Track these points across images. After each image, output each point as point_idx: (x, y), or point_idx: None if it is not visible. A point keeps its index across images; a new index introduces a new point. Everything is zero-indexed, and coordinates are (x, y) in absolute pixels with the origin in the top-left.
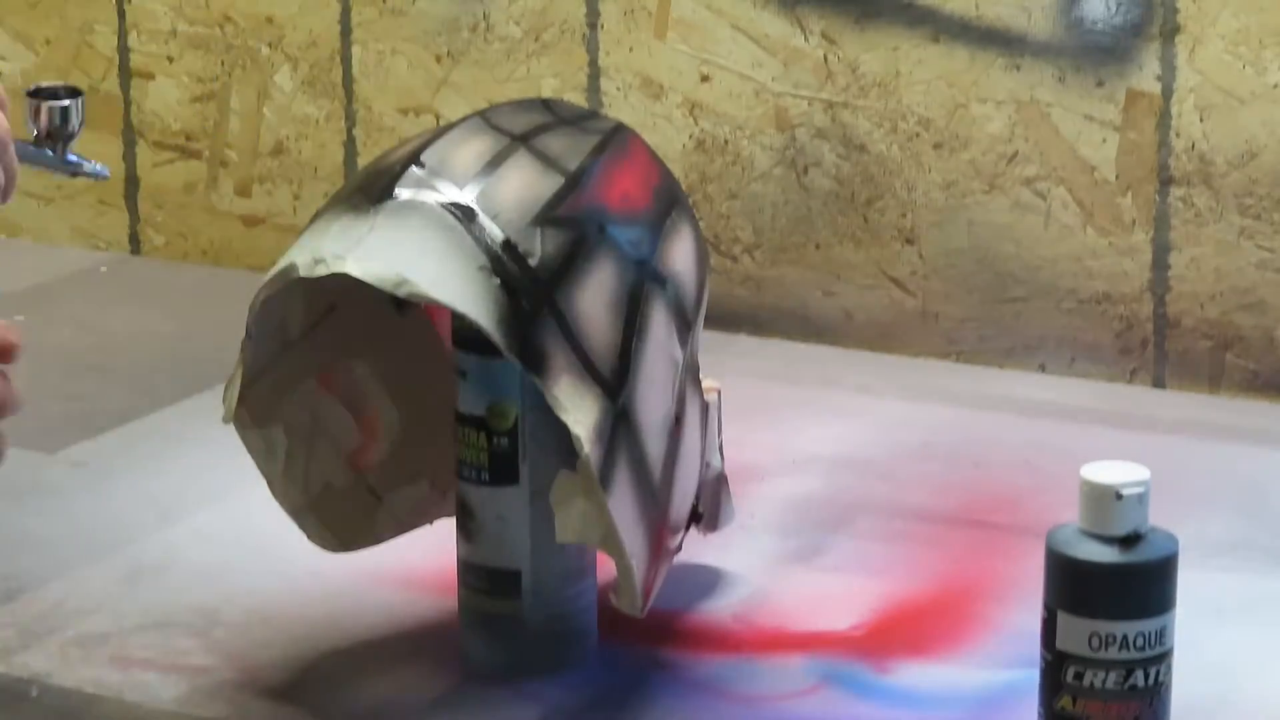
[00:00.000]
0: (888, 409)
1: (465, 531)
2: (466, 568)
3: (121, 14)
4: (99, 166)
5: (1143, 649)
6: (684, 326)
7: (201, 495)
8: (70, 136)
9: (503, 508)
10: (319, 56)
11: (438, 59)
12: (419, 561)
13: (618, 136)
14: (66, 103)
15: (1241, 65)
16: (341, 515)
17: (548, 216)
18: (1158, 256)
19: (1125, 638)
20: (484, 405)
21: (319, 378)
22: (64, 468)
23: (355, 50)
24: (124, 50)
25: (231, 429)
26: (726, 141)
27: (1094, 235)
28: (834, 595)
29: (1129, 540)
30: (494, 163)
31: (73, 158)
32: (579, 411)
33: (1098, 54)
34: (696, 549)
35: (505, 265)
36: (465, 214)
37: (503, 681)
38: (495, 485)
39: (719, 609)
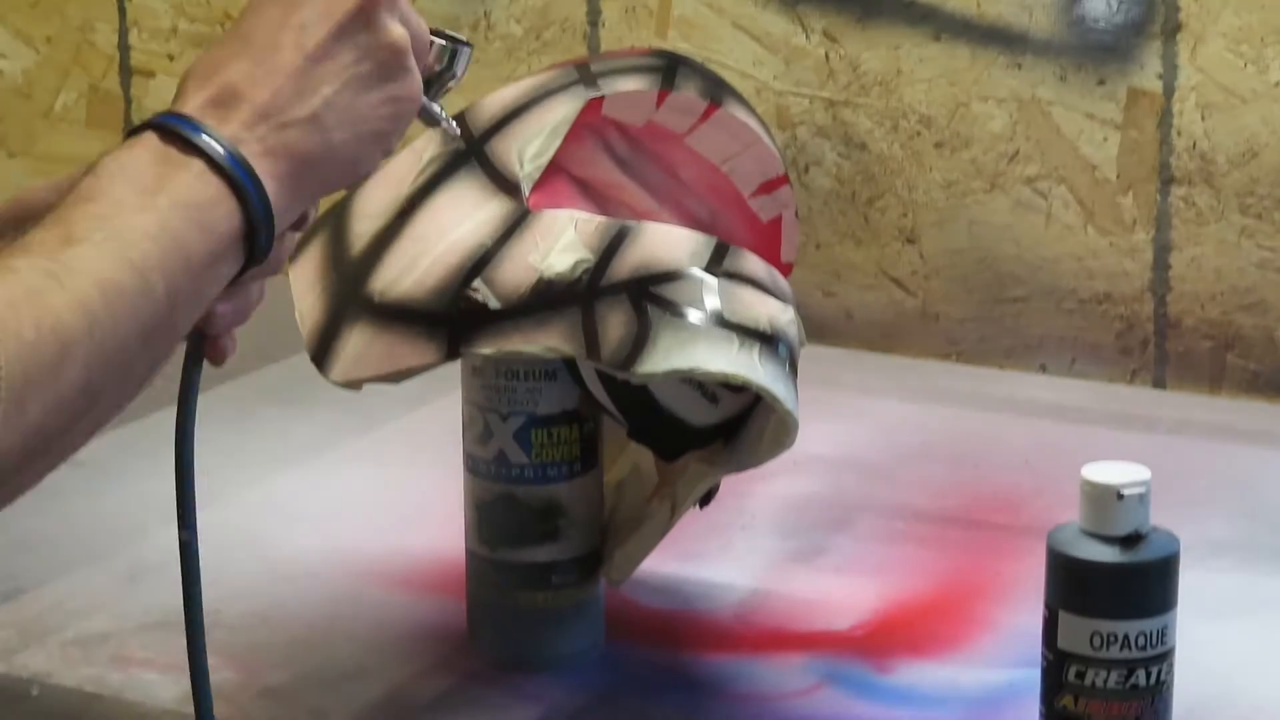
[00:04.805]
0: (888, 409)
1: (551, 533)
2: (552, 569)
3: (122, 12)
4: (455, 126)
5: (1144, 648)
6: None
7: (201, 495)
8: (447, 81)
9: (591, 491)
10: None
11: None
12: (419, 561)
13: None
14: (462, 48)
15: (1243, 64)
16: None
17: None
18: (1158, 256)
19: (1126, 637)
20: (575, 397)
21: None
22: (64, 468)
23: None
24: (124, 48)
25: (226, 428)
26: None
27: (1095, 235)
28: (834, 595)
29: (1130, 540)
30: None
31: (437, 106)
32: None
33: (1099, 52)
34: (697, 549)
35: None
36: None
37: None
38: (585, 472)
39: (719, 609)
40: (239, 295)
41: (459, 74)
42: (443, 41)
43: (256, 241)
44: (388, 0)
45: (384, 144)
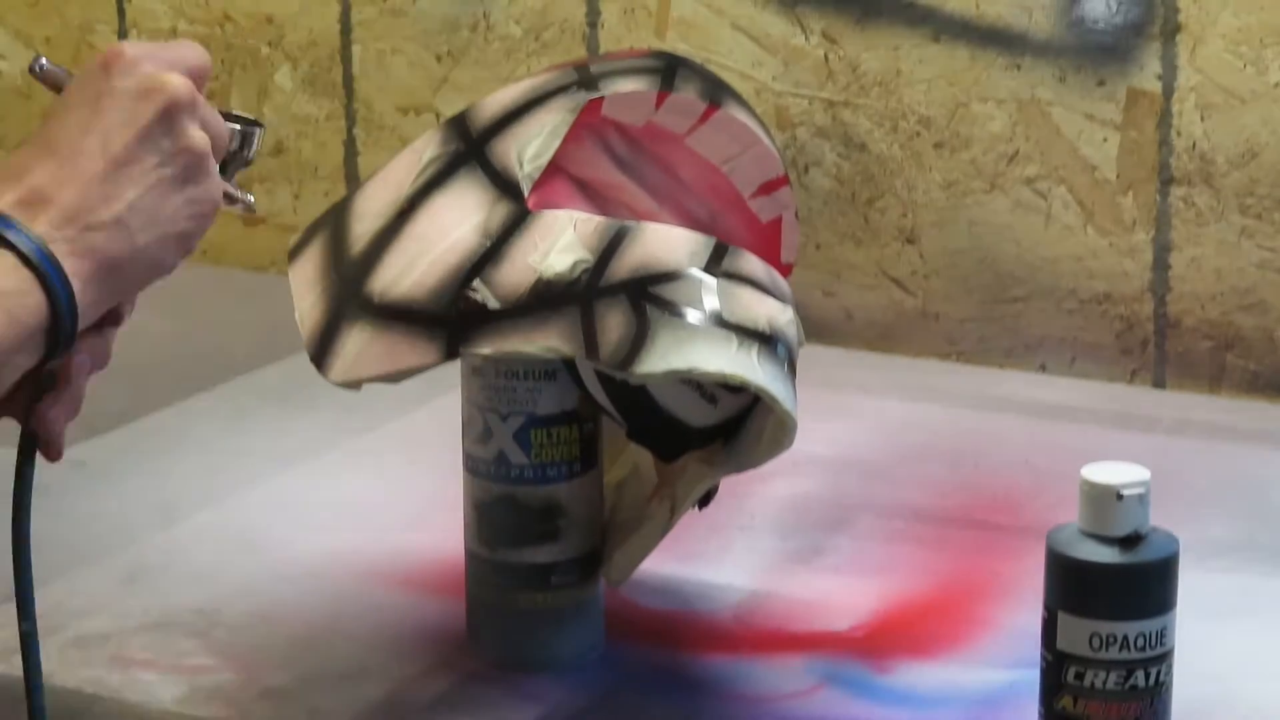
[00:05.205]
0: (888, 409)
1: (551, 534)
2: (552, 570)
3: (121, 13)
4: (250, 198)
5: (1143, 649)
6: None
7: (201, 495)
8: (243, 164)
9: (591, 491)
10: (319, 56)
11: (438, 58)
12: (419, 561)
13: None
14: (254, 130)
15: (1242, 64)
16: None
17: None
18: (1158, 256)
19: (1126, 638)
20: (575, 397)
21: None
22: (64, 468)
23: (355, 49)
24: None
25: (226, 428)
26: None
27: (1095, 235)
28: (834, 595)
29: (1130, 540)
30: None
31: (233, 186)
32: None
33: (1099, 53)
34: (697, 549)
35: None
36: None
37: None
38: (585, 472)
39: (719, 609)
40: (68, 393)
41: (251, 155)
42: (236, 126)
43: (59, 336)
44: (188, 106)
45: (187, 244)
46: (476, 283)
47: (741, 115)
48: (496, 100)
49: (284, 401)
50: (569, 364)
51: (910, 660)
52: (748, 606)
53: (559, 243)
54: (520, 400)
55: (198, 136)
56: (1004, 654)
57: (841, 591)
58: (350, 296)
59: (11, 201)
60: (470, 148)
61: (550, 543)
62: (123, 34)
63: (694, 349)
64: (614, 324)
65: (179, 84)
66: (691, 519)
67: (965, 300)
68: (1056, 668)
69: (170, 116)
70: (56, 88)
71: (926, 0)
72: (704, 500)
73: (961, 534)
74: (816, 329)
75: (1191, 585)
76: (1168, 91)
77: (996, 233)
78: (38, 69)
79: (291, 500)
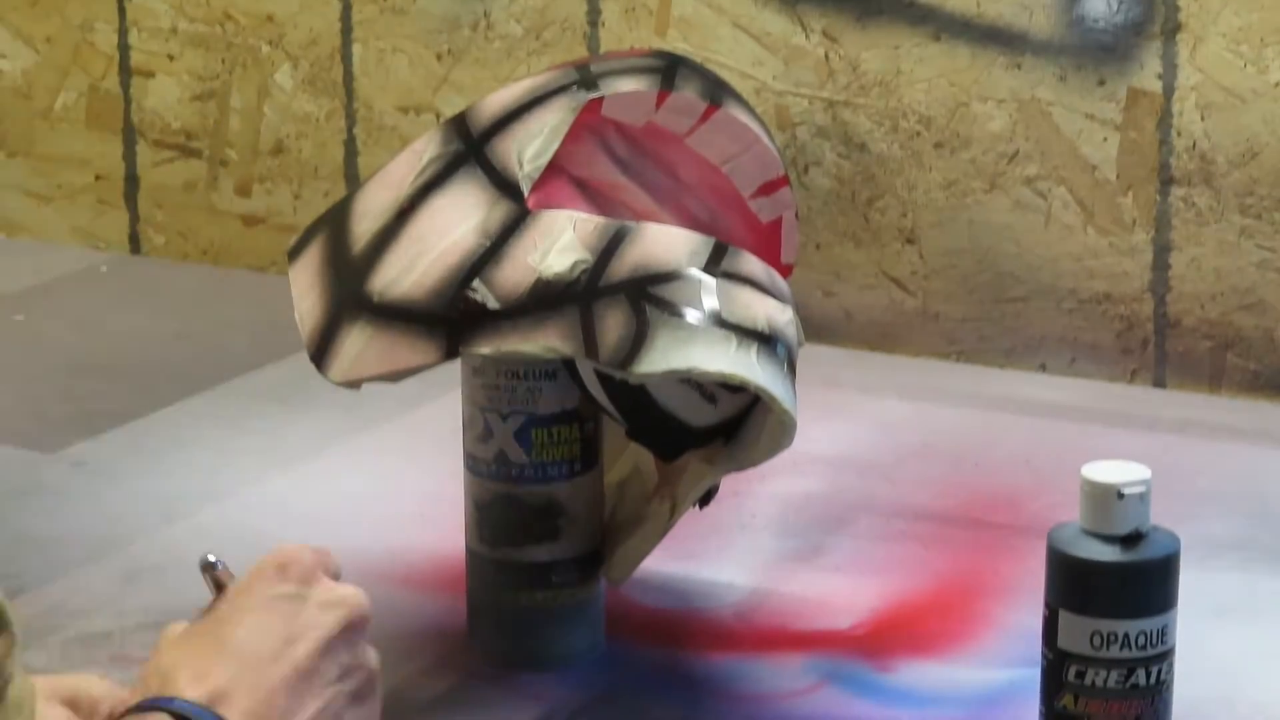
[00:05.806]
0: (888, 409)
1: (551, 533)
2: (552, 569)
3: (122, 11)
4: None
5: (1144, 648)
6: None
7: (201, 495)
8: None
9: (592, 491)
10: (319, 55)
11: (438, 57)
12: (419, 561)
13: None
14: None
15: (1243, 64)
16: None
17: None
18: (1158, 256)
19: (1127, 636)
20: (575, 397)
21: None
22: (64, 468)
23: (356, 48)
24: (124, 48)
25: (226, 428)
26: None
27: (1095, 235)
28: (834, 595)
29: (1130, 539)
30: None
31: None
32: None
33: (1099, 52)
34: (697, 548)
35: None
36: None
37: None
38: (585, 472)
39: (719, 609)
40: None
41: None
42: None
43: None
44: (365, 623)
45: None
46: (476, 283)
47: (742, 115)
48: (496, 100)
49: (284, 401)
50: (569, 364)
51: (911, 659)
52: (748, 605)
53: (558, 243)
54: (520, 400)
55: (372, 655)
56: (1005, 652)
57: (842, 590)
58: (350, 296)
59: (202, 696)
60: (470, 148)
61: (550, 542)
62: (123, 33)
63: (693, 349)
64: (613, 324)
65: (362, 599)
66: (691, 518)
67: (965, 300)
68: (1057, 666)
69: (352, 630)
70: (220, 586)
71: None
72: (704, 499)
73: (961, 533)
74: (816, 329)
75: (1192, 584)
76: (1168, 91)
77: (996, 232)
78: (214, 566)
79: (291, 500)
